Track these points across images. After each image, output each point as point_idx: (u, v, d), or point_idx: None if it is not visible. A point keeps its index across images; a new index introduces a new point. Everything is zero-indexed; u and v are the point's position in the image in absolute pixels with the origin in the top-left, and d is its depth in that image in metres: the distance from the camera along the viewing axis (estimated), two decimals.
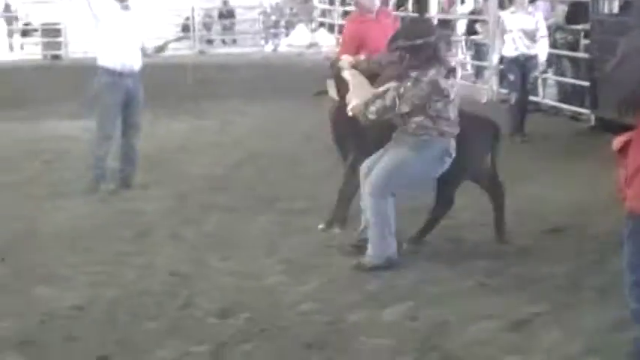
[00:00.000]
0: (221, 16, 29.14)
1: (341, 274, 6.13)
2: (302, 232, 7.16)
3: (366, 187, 6.27)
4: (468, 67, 18.49)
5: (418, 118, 6.08)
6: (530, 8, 11.77)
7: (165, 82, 14.89)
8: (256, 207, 7.99)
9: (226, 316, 5.40)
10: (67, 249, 6.80)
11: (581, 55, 12.32)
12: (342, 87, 6.70)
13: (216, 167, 9.85)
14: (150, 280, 6.12)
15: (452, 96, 6.12)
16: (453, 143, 6.15)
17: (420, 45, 6.08)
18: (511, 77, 11.69)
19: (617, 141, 3.96)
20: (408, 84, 6.05)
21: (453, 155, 6.15)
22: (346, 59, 6.90)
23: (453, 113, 6.14)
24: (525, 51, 11.54)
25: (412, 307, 5.46)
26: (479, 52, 17.25)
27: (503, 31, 11.71)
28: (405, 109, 6.06)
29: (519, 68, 11.62)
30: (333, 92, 7.09)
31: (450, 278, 5.97)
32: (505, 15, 11.94)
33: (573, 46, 12.42)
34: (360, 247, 6.36)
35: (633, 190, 3.87)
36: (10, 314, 5.49)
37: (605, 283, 5.65)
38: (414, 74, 6.06)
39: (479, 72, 17.20)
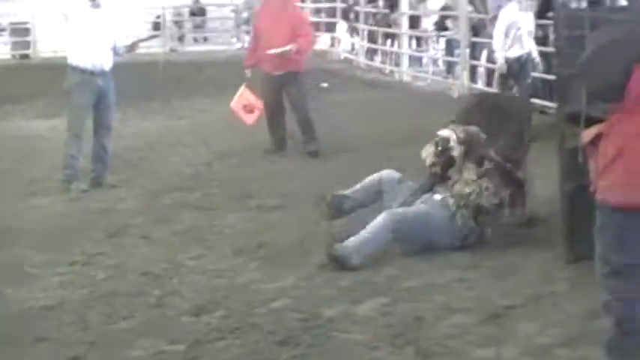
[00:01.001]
0: (192, 13, 29.03)
1: (315, 271, 6.11)
2: (275, 229, 7.13)
3: (386, 214, 6.30)
4: (440, 62, 18.54)
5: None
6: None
7: (136, 81, 14.79)
8: (228, 205, 7.96)
9: (200, 314, 5.37)
10: (37, 249, 6.74)
11: (550, 49, 12.47)
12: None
13: (187, 166, 9.81)
14: (121, 279, 6.08)
15: None
16: None
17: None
18: (512, 80, 11.72)
19: (588, 133, 3.96)
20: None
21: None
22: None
23: None
24: (527, 50, 11.58)
25: (387, 302, 5.45)
26: (450, 47, 17.30)
27: (510, 29, 11.63)
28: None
29: (520, 67, 11.66)
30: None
31: (424, 273, 5.96)
32: (511, 13, 11.82)
33: (542, 41, 12.49)
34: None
35: (605, 182, 3.88)
36: None
37: (577, 274, 5.66)
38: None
39: (449, 67, 17.25)
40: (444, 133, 6.56)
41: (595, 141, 3.92)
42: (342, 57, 21.91)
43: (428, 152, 6.60)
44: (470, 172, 6.42)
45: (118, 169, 9.16)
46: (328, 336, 4.98)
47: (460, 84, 15.19)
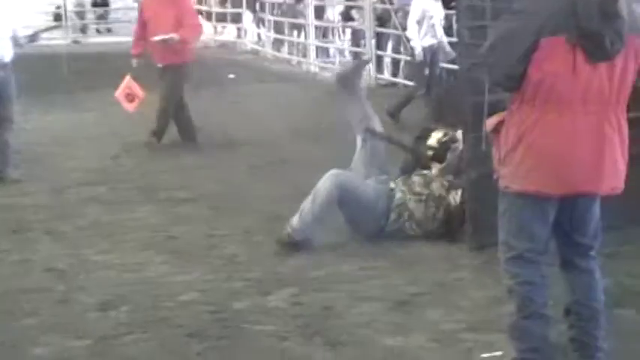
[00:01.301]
0: (95, 4, 28.57)
1: (223, 263, 6.10)
2: (183, 222, 7.09)
3: (332, 174, 6.33)
4: (346, 53, 18.63)
5: None
6: None
7: (38, 74, 14.51)
8: (136, 198, 7.88)
9: (106, 309, 5.30)
10: None
11: (454, 39, 12.65)
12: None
13: (93, 160, 9.66)
14: (26, 276, 5.96)
15: None
16: None
17: None
18: (427, 69, 11.83)
19: (490, 122, 4.06)
20: None
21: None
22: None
23: None
24: (439, 39, 11.72)
25: (295, 293, 5.48)
26: (356, 38, 17.39)
27: (423, 19, 11.75)
28: None
29: (431, 57, 11.79)
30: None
31: (331, 262, 6.00)
32: (423, 2, 11.86)
33: (447, 31, 12.65)
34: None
35: (508, 168, 3.97)
36: None
37: (482, 261, 5.77)
38: None
39: (356, 58, 17.33)
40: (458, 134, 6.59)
41: (497, 129, 4.01)
42: (248, 48, 21.86)
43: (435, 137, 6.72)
44: (445, 177, 6.52)
45: (21, 165, 8.96)
46: (238, 328, 4.97)
47: (366, 75, 15.29)
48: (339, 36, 19.15)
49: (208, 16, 25.23)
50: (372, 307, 5.18)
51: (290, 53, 19.79)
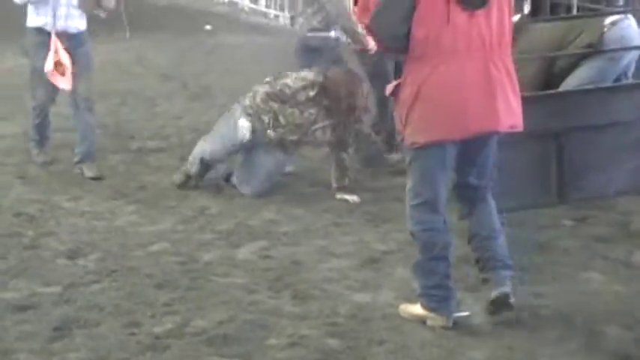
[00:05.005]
0: None
1: (194, 215, 6.10)
2: (155, 172, 7.07)
3: None
4: None
5: None
6: None
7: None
8: (109, 146, 7.82)
9: (75, 257, 5.30)
10: None
11: None
12: None
13: (65, 106, 9.55)
14: None
15: None
16: None
17: None
18: None
19: (389, 86, 4.32)
20: None
21: None
22: None
23: None
24: None
25: (265, 246, 5.49)
26: None
27: None
28: None
29: None
30: None
31: (301, 217, 6.01)
32: None
33: None
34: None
35: (410, 126, 4.20)
36: None
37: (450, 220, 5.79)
38: None
39: None
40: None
41: (396, 92, 4.25)
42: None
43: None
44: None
45: None
46: (207, 279, 4.98)
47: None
48: None
49: None
50: (342, 263, 5.21)
51: (267, 7, 19.63)
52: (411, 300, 4.49)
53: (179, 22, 16.75)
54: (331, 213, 6.09)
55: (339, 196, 6.45)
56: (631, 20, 6.65)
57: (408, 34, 4.09)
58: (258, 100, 6.46)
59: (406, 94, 4.18)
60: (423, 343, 4.20)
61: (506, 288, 4.35)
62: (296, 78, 6.53)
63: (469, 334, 4.27)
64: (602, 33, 6.46)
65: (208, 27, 16.26)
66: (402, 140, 4.31)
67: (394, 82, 4.31)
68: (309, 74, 6.55)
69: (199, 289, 4.85)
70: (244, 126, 6.42)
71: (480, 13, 4.10)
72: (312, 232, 5.73)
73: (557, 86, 6.25)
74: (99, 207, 6.24)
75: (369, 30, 4.38)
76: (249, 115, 6.43)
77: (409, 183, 4.34)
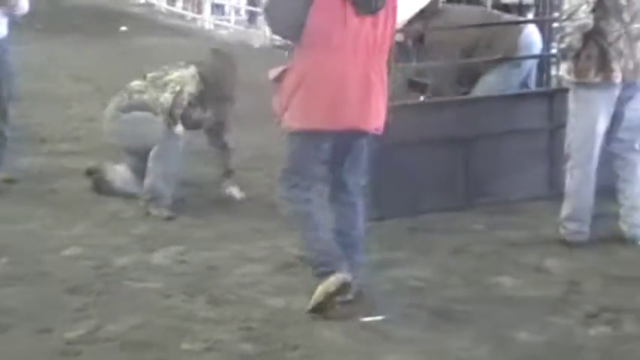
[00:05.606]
0: None
1: (108, 218, 6.04)
2: (68, 175, 6.97)
3: None
4: (242, 12, 18.50)
5: None
6: None
7: None
8: (21, 149, 7.66)
9: None
10: None
11: None
12: None
13: None
14: None
15: None
16: None
17: None
18: None
19: (273, 71, 4.51)
20: None
21: None
22: None
23: None
24: None
25: (181, 251, 5.46)
26: None
27: None
28: None
29: None
30: None
31: (219, 222, 6.00)
32: None
33: None
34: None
35: (290, 112, 4.42)
36: None
37: (368, 227, 5.85)
38: None
39: (252, 17, 17.26)
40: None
41: (280, 78, 4.47)
42: (142, 1, 21.47)
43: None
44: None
45: None
46: (121, 284, 4.94)
47: (262, 34, 15.24)
48: None
49: None
50: (258, 268, 5.21)
51: (185, 9, 19.53)
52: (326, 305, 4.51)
53: (94, 23, 16.57)
54: (248, 217, 6.09)
55: (227, 190, 6.46)
56: (533, 26, 6.89)
57: (301, 26, 4.32)
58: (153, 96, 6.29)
59: (291, 80, 4.41)
60: (337, 347, 4.23)
61: (350, 295, 4.48)
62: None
63: (383, 339, 4.31)
64: (514, 40, 6.66)
65: (124, 28, 16.12)
66: (278, 123, 4.51)
67: (280, 68, 4.49)
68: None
69: (113, 293, 4.81)
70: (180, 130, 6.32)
71: (369, 19, 4.36)
72: (228, 237, 5.72)
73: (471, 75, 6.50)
74: (10, 211, 6.13)
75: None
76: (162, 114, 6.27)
77: (284, 165, 4.58)
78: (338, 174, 4.62)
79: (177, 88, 6.23)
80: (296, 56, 4.45)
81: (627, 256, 5.39)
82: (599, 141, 5.43)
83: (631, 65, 5.32)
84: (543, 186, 6.35)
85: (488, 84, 6.63)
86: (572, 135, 5.48)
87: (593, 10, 5.21)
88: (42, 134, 8.21)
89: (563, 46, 5.31)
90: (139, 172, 6.29)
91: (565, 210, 5.52)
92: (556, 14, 6.83)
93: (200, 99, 6.35)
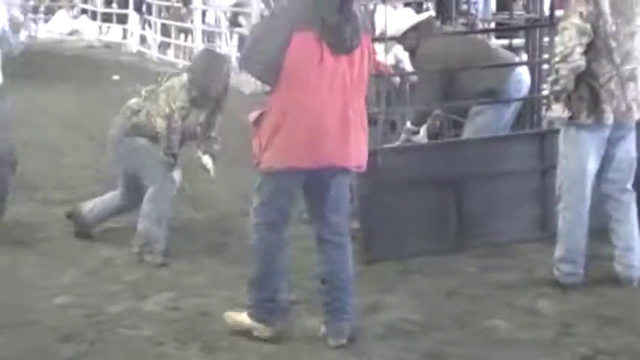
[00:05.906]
0: None
1: (100, 266, 6.02)
2: (60, 223, 6.94)
3: None
4: (233, 59, 18.58)
5: None
6: None
7: None
8: (13, 197, 7.64)
9: None
10: None
11: None
12: None
13: None
14: None
15: None
16: None
17: None
18: None
19: (252, 114, 4.60)
20: None
21: None
22: None
23: None
24: None
25: (173, 298, 5.44)
26: (243, 43, 17.35)
27: None
28: None
29: None
30: None
31: (210, 268, 5.99)
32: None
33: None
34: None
35: (269, 152, 4.49)
36: None
37: (359, 271, 5.84)
38: None
39: (241, 63, 17.30)
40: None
41: (258, 121, 4.56)
42: (134, 50, 21.58)
43: None
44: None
45: None
46: (113, 332, 4.91)
47: (253, 81, 15.22)
48: (227, 41, 19.08)
49: (93, 15, 24.82)
50: None
51: (176, 57, 19.63)
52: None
53: (86, 72, 16.65)
54: (239, 263, 6.04)
55: (202, 161, 6.37)
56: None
57: (279, 67, 4.39)
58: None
59: (270, 121, 4.48)
60: None
61: (344, 339, 4.63)
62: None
63: None
64: (503, 80, 6.68)
65: (116, 77, 16.18)
66: (257, 164, 4.56)
67: (257, 112, 4.57)
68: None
69: (105, 341, 4.78)
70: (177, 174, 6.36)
71: (344, 58, 4.45)
72: (219, 283, 5.70)
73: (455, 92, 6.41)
74: (1, 260, 6.10)
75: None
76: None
77: (255, 202, 4.64)
78: (320, 213, 4.67)
79: (167, 111, 6.22)
80: (273, 98, 4.51)
81: (621, 297, 5.37)
82: (590, 182, 5.44)
83: (623, 107, 5.33)
84: (535, 227, 6.34)
85: (477, 125, 6.64)
86: (563, 176, 5.48)
87: (585, 52, 5.22)
88: (35, 183, 8.19)
89: (557, 88, 5.27)
90: (129, 191, 6.39)
91: (558, 252, 5.51)
92: (546, 56, 6.89)
93: (193, 104, 6.34)
